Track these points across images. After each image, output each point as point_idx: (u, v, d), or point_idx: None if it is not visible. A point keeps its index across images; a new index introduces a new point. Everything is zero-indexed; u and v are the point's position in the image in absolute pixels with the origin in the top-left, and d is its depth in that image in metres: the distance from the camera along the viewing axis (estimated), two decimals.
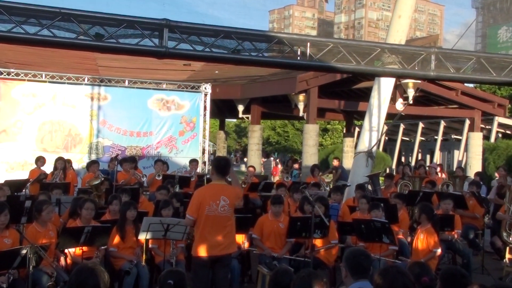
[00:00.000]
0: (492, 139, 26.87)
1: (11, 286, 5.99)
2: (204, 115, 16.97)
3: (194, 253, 6.19)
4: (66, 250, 6.98)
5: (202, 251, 6.12)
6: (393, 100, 14.72)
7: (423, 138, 33.08)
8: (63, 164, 11.55)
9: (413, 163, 25.23)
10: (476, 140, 21.50)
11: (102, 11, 6.51)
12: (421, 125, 30.71)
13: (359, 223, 7.97)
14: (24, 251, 5.85)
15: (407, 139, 35.17)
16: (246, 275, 8.52)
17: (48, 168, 11.98)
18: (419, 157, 31.51)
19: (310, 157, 18.29)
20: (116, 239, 7.31)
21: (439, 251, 7.65)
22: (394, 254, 8.11)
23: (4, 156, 14.73)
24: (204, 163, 16.88)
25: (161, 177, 11.71)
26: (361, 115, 20.55)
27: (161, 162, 12.77)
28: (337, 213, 9.52)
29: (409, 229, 9.15)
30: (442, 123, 28.75)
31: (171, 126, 16.48)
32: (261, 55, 7.30)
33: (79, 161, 15.12)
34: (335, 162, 17.39)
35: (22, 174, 13.46)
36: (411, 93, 14.04)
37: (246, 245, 8.32)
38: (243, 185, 12.49)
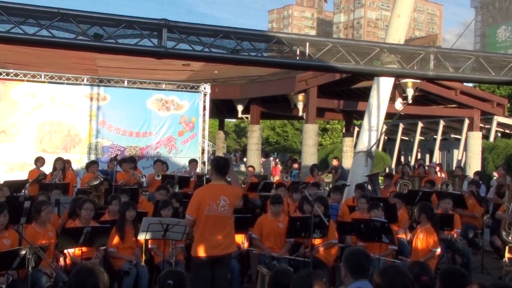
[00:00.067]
0: (491, 139, 26.88)
1: (10, 287, 5.99)
2: (204, 115, 16.98)
3: (194, 253, 6.18)
4: (65, 251, 6.97)
5: (202, 251, 6.12)
6: (392, 99, 14.72)
7: (422, 138, 33.10)
8: (62, 165, 11.54)
9: (412, 163, 25.23)
10: (475, 140, 21.52)
11: (101, 11, 6.51)
12: (420, 124, 30.72)
13: (359, 223, 7.97)
14: (23, 252, 5.84)
15: (407, 138, 35.18)
16: (246, 275, 8.52)
17: (47, 168, 11.97)
18: (419, 157, 31.54)
19: (310, 157, 18.29)
20: (116, 240, 7.31)
21: (438, 250, 7.65)
22: (394, 254, 8.11)
23: (3, 156, 14.73)
24: (204, 163, 16.88)
25: (160, 177, 11.70)
26: (360, 115, 20.56)
27: (160, 162, 12.76)
28: (336, 213, 9.52)
29: (408, 229, 9.14)
30: (441, 123, 28.76)
31: (170, 126, 16.49)
32: (260, 55, 7.30)
33: (79, 162, 15.12)
34: (335, 162, 17.40)
35: (21, 174, 13.45)
36: (410, 92, 14.02)
37: (245, 245, 8.32)
38: (242, 185, 12.48)
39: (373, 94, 12.34)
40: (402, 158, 35.48)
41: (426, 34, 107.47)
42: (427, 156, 33.30)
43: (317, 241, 7.88)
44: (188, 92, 16.89)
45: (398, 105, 15.54)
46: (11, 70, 15.15)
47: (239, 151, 65.84)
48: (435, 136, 30.73)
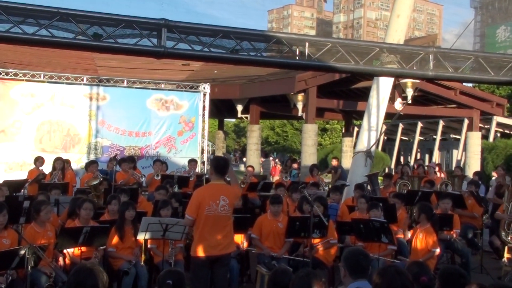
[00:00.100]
0: (491, 139, 26.87)
1: (9, 287, 5.99)
2: (203, 115, 16.98)
3: (193, 253, 6.18)
4: (64, 250, 6.97)
5: (202, 251, 6.12)
6: (391, 99, 14.72)
7: (422, 138, 33.09)
8: (61, 164, 11.54)
9: (412, 163, 25.24)
10: (474, 140, 21.52)
11: (101, 10, 6.50)
12: (420, 124, 30.71)
13: (358, 223, 7.97)
14: (22, 252, 5.84)
15: (406, 138, 35.17)
16: (245, 275, 8.52)
17: (46, 168, 11.96)
18: (418, 157, 31.52)
19: (309, 156, 18.29)
20: (115, 239, 7.31)
21: (438, 250, 7.66)
22: (393, 254, 8.12)
23: (2, 156, 14.73)
24: (203, 163, 16.88)
25: (160, 177, 11.69)
26: (360, 115, 20.56)
27: (159, 162, 12.76)
28: (336, 213, 9.52)
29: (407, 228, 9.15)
30: (441, 123, 28.75)
31: (170, 126, 16.49)
32: (259, 54, 7.30)
33: (78, 161, 15.12)
34: (334, 162, 17.40)
35: (21, 174, 13.45)
36: (409, 92, 14.02)
37: (245, 245, 8.32)
38: (242, 185, 12.48)
39: (373, 94, 12.34)
40: (402, 158, 35.48)
41: (425, 34, 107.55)
42: (427, 156, 33.29)
43: (316, 241, 7.89)
44: (188, 92, 16.89)
45: (398, 105, 15.55)
46: (10, 70, 15.15)
47: (238, 151, 65.85)
48: (434, 136, 30.72)
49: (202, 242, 6.12)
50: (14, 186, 10.39)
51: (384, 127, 18.84)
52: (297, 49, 7.29)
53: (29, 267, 5.84)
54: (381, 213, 8.19)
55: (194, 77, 21.08)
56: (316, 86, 18.21)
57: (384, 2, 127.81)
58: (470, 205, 10.44)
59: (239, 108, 20.93)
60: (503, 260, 9.03)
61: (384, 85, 12.15)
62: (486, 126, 27.07)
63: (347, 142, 24.28)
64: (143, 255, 7.52)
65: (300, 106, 18.43)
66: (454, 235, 8.91)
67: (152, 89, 16.53)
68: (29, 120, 15.01)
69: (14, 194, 9.83)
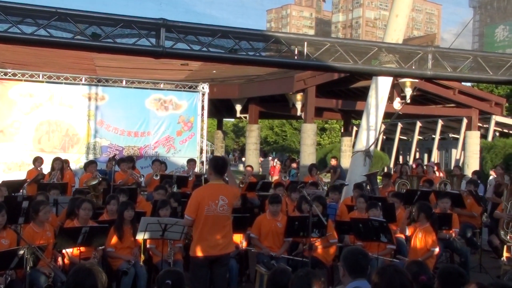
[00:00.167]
0: (490, 138, 26.88)
1: (8, 287, 5.98)
2: (202, 114, 16.98)
3: (193, 253, 6.18)
4: (63, 251, 6.97)
5: (201, 251, 6.11)
6: (390, 99, 14.74)
7: (420, 137, 33.10)
8: (60, 165, 11.53)
9: (410, 162, 25.26)
10: (473, 139, 21.55)
11: (99, 10, 6.50)
12: (418, 124, 30.73)
13: (357, 222, 7.97)
14: (21, 252, 5.83)
15: (405, 138, 35.18)
16: (244, 275, 8.52)
17: (45, 168, 11.95)
18: (417, 156, 31.56)
19: (308, 156, 18.31)
20: (114, 239, 7.31)
21: (437, 250, 7.66)
22: (392, 253, 8.12)
23: (1, 156, 14.72)
24: (202, 162, 16.87)
25: (158, 177, 11.69)
26: (358, 114, 20.59)
27: (158, 162, 12.76)
28: (335, 212, 9.52)
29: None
30: (440, 122, 28.77)
31: (168, 126, 16.49)
32: (258, 54, 7.29)
33: (77, 162, 15.11)
34: (333, 161, 17.39)
35: (20, 174, 13.44)
36: (408, 92, 14.04)
37: (244, 244, 8.32)
38: (241, 185, 12.49)
39: (372, 93, 12.34)
40: (401, 158, 35.50)
41: (424, 33, 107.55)
42: (426, 155, 33.32)
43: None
44: (187, 92, 16.88)
45: (397, 104, 15.58)
46: (9, 70, 15.13)
47: (237, 151, 65.85)
48: (433, 136, 30.74)
49: (202, 242, 6.12)
50: (13, 186, 10.39)
51: (383, 126, 18.87)
52: (296, 48, 7.30)
53: (28, 267, 5.83)
54: (380, 213, 8.20)
55: (193, 77, 21.09)
56: (315, 85, 18.22)
57: (383, 1, 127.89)
58: (469, 204, 10.44)
59: (238, 107, 20.94)
60: (502, 259, 9.04)
61: (383, 84, 12.16)
62: (485, 126, 27.08)
63: (346, 141, 24.29)
64: (142, 255, 7.52)
65: (299, 105, 18.45)
66: (453, 234, 8.91)
67: (151, 89, 16.51)
68: (27, 120, 15.00)
69: (13, 194, 9.82)
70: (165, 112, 16.51)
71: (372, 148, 12.28)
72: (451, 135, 31.84)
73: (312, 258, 7.35)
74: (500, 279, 8.38)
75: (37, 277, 6.34)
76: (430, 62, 7.76)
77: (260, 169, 26.10)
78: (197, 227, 6.14)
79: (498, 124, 27.80)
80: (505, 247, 9.00)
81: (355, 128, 27.79)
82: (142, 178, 12.01)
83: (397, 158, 33.95)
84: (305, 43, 7.27)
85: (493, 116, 25.56)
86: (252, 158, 20.95)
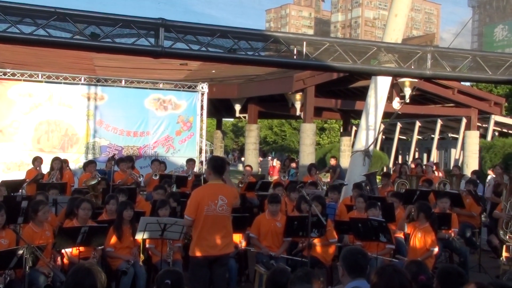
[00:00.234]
0: (489, 138, 26.91)
1: (7, 287, 5.99)
2: (201, 114, 16.97)
3: (192, 253, 6.19)
4: (63, 250, 6.97)
5: (200, 251, 6.12)
6: (389, 99, 14.72)
7: (420, 137, 33.11)
8: (59, 164, 11.52)
9: (409, 162, 25.26)
10: (472, 139, 21.54)
11: (98, 10, 6.49)
12: (418, 123, 30.74)
13: (356, 222, 7.97)
14: (20, 252, 5.84)
15: (404, 138, 35.20)
16: (244, 275, 8.53)
17: (45, 168, 11.95)
18: (416, 156, 31.57)
19: (307, 156, 18.30)
20: (113, 239, 7.31)
21: (436, 249, 7.66)
22: (391, 253, 8.12)
23: (0, 156, 14.71)
24: (201, 162, 16.87)
25: (158, 177, 11.69)
26: (358, 114, 20.57)
27: (157, 162, 12.76)
28: (334, 212, 9.53)
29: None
30: (439, 122, 28.79)
31: (168, 125, 16.48)
32: (257, 54, 7.28)
33: (76, 161, 15.09)
34: (333, 161, 17.41)
35: (19, 174, 13.43)
36: (407, 91, 14.03)
37: (243, 244, 8.32)
38: (240, 185, 12.49)
39: (371, 93, 12.34)
40: (400, 158, 35.51)
41: (423, 33, 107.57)
42: (425, 155, 33.34)
43: (315, 241, 7.89)
44: (186, 92, 16.88)
45: (396, 104, 15.57)
46: (8, 70, 15.12)
47: (236, 151, 65.83)
48: (432, 135, 30.76)
49: (201, 242, 6.12)
50: (12, 186, 10.39)
51: (382, 126, 18.88)
52: (295, 48, 7.29)
53: (27, 267, 5.84)
54: (379, 212, 8.20)
55: (192, 76, 21.08)
56: (314, 85, 18.21)
57: (382, 1, 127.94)
58: (468, 204, 10.44)
59: (237, 107, 20.93)
60: (501, 258, 9.04)
61: (382, 84, 12.15)
62: (484, 125, 27.11)
63: (345, 141, 24.29)
64: (141, 255, 7.52)
65: (298, 105, 18.44)
66: (452, 234, 8.92)
67: (150, 88, 16.50)
68: (27, 120, 14.99)
69: (12, 194, 9.82)
70: (164, 112, 16.51)
71: (371, 148, 12.27)
72: (450, 134, 31.86)
73: (312, 258, 7.35)
74: (499, 279, 8.39)
75: (36, 277, 6.34)
76: (429, 62, 7.75)
77: (259, 169, 26.09)
78: (197, 227, 6.15)
79: (497, 123, 27.82)
80: (504, 247, 9.00)
81: (354, 128, 27.81)
82: (141, 178, 12.02)
83: (396, 158, 33.97)
84: (304, 42, 7.26)
85: (492, 116, 25.57)
86: (251, 158, 20.95)
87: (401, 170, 13.65)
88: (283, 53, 7.33)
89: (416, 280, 4.29)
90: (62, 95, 15.40)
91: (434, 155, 30.71)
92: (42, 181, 10.87)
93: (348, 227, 8.33)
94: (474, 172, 13.95)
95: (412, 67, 7.84)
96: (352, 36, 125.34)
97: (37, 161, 11.88)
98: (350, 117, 25.99)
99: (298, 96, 18.28)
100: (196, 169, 14.21)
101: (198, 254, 6.12)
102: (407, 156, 32.60)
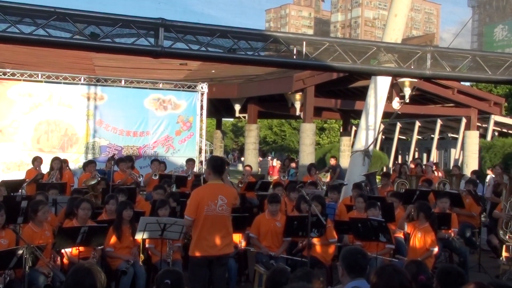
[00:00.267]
0: (489, 138, 26.92)
1: (7, 287, 5.98)
2: (201, 114, 16.98)
3: (192, 253, 6.19)
4: (62, 250, 6.97)
5: (200, 251, 6.12)
6: (389, 99, 14.72)
7: (419, 137, 33.12)
8: (59, 164, 11.52)
9: (409, 162, 25.26)
10: (472, 139, 21.55)
11: (97, 10, 6.49)
12: (417, 123, 30.75)
13: (356, 222, 7.97)
14: (20, 252, 5.83)
15: (404, 137, 35.21)
16: (243, 274, 8.53)
17: (44, 168, 11.95)
18: (416, 156, 31.58)
19: (307, 156, 18.30)
20: (113, 239, 7.31)
21: (436, 249, 7.66)
22: (391, 253, 8.12)
23: (0, 156, 14.72)
24: (201, 162, 16.87)
25: (157, 177, 11.69)
26: (357, 114, 20.57)
27: (157, 161, 12.76)
28: (334, 212, 9.53)
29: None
30: (439, 122, 28.80)
31: (167, 125, 16.49)
32: (257, 54, 7.28)
33: (76, 161, 15.10)
34: (332, 161, 17.42)
35: (19, 174, 13.43)
36: (407, 91, 14.02)
37: (243, 244, 8.32)
38: (239, 185, 12.49)
39: (371, 93, 12.33)
40: (400, 158, 35.52)
41: (423, 33, 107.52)
42: (425, 155, 33.34)
43: (314, 240, 7.88)
44: (186, 92, 16.88)
45: (396, 104, 15.56)
46: (8, 70, 15.13)
47: (236, 151, 65.82)
48: (432, 135, 30.77)
49: (201, 242, 6.13)
50: (12, 186, 10.39)
51: (382, 126, 18.87)
52: (295, 48, 7.29)
53: (27, 267, 5.83)
54: (379, 212, 8.20)
55: (192, 76, 21.08)
56: (313, 85, 18.21)
57: (382, 1, 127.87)
58: (468, 204, 10.44)
59: (237, 107, 20.94)
60: (501, 258, 9.05)
61: (382, 84, 12.15)
62: (484, 125, 27.12)
63: (345, 141, 24.29)
64: (141, 255, 7.52)
65: (298, 105, 18.44)
66: (452, 234, 8.92)
67: (149, 88, 16.51)
68: (26, 120, 14.99)
69: (12, 194, 9.82)
70: (164, 111, 16.52)
71: (371, 147, 12.27)
72: (450, 134, 31.87)
73: (311, 258, 7.35)
74: (499, 278, 8.41)
75: (36, 277, 6.34)
76: (429, 62, 7.75)
77: (259, 169, 26.09)
78: (197, 227, 6.15)
79: (497, 123, 27.83)
80: (504, 246, 9.01)
81: (354, 128, 27.81)
82: (141, 178, 12.03)
83: (396, 158, 33.98)
84: (304, 42, 7.26)
85: (492, 116, 25.58)
86: (251, 158, 20.95)
87: (400, 170, 13.66)
88: (282, 53, 7.33)
89: (416, 280, 4.29)
90: (62, 95, 15.41)
91: (434, 155, 30.72)
92: (42, 181, 10.87)
93: (347, 227, 8.33)
94: (474, 172, 13.95)
95: (412, 67, 7.84)
96: (352, 36, 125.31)
97: (36, 161, 11.88)
98: (350, 117, 26.00)
99: (297, 96, 18.29)
100: (195, 169, 14.21)
101: (197, 254, 6.12)
102: (407, 156, 32.62)
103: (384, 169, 27.72)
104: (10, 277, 6.02)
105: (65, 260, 7.03)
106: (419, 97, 21.02)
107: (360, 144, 12.28)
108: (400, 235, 8.81)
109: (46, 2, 6.05)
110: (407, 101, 14.16)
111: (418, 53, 7.78)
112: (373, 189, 11.65)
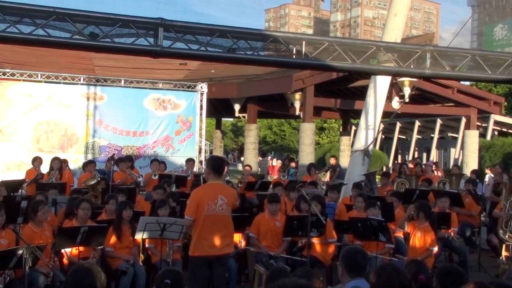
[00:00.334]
0: (488, 137, 26.92)
1: (7, 287, 5.98)
2: (201, 114, 16.98)
3: (192, 253, 6.19)
4: (62, 250, 6.96)
5: (200, 251, 6.12)
6: (389, 98, 14.73)
7: (419, 136, 33.12)
8: (59, 164, 11.52)
9: (409, 162, 25.26)
10: (472, 138, 21.55)
11: (97, 10, 6.49)
12: (417, 123, 30.75)
13: (356, 222, 7.98)
14: (20, 252, 5.83)
15: (404, 137, 35.22)
16: (243, 274, 8.53)
17: (44, 168, 11.95)
18: (416, 155, 31.59)
19: (307, 155, 18.30)
20: (113, 239, 7.31)
21: (436, 249, 7.67)
22: (391, 252, 8.12)
23: (0, 156, 14.70)
24: (201, 162, 16.88)
25: (157, 177, 11.69)
26: (357, 114, 20.55)
27: (157, 161, 12.75)
28: (333, 212, 9.53)
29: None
30: (439, 121, 28.80)
31: (167, 125, 16.49)
32: (256, 54, 7.28)
33: (75, 161, 15.10)
34: (332, 160, 17.42)
35: (18, 174, 13.43)
36: (407, 91, 14.04)
37: (243, 244, 8.32)
38: (239, 185, 12.49)
39: (370, 92, 12.34)
40: (399, 157, 35.53)
41: (422, 32, 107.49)
42: (424, 154, 33.35)
43: (314, 240, 7.88)
44: (185, 91, 16.88)
45: (395, 103, 15.59)
46: (7, 70, 15.12)
47: (236, 150, 65.82)
48: (432, 135, 30.77)
49: (201, 241, 6.13)
50: (12, 186, 10.39)
51: (382, 125, 18.87)
52: (294, 48, 7.28)
53: (27, 267, 5.83)
54: (379, 212, 8.20)
55: (192, 76, 21.08)
56: (313, 85, 18.21)
57: (381, 0, 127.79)
58: (468, 204, 10.44)
59: (237, 107, 20.93)
60: (500, 258, 9.06)
61: (382, 83, 12.15)
62: (483, 125, 27.12)
63: (345, 141, 24.29)
64: (141, 255, 7.52)
65: (297, 105, 18.44)
66: (452, 234, 8.92)
67: (149, 88, 16.51)
68: (26, 120, 14.99)
69: (12, 194, 9.82)
70: (164, 111, 16.52)
71: (370, 147, 12.27)
72: (450, 134, 31.87)
73: (311, 258, 7.35)
74: (499, 278, 8.41)
75: (36, 277, 6.34)
76: (428, 61, 7.75)
77: (259, 169, 26.10)
78: (197, 227, 6.15)
79: (497, 123, 27.84)
80: (503, 246, 9.02)
81: (353, 128, 27.80)
82: (141, 178, 12.02)
83: (395, 158, 33.98)
84: (304, 42, 7.26)
85: (492, 115, 25.58)
86: (251, 158, 20.95)
87: (400, 170, 13.66)
88: (282, 52, 7.33)
89: (416, 280, 4.29)
90: (61, 95, 15.41)
91: (434, 155, 30.72)
92: (42, 181, 10.87)
93: (347, 227, 8.33)
94: (473, 172, 13.96)
95: (412, 66, 7.84)
96: (352, 35, 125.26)
97: (36, 161, 11.88)
98: (350, 117, 26.00)
99: (297, 95, 18.28)
100: (195, 169, 14.21)
101: (197, 254, 6.12)
102: (407, 156, 32.63)
103: (384, 169, 27.73)
104: (10, 277, 6.02)
105: (65, 260, 7.03)
106: (419, 96, 21.02)
107: (360, 144, 12.28)
108: (399, 234, 8.81)
109: (45, 2, 6.05)
110: (407, 100, 14.18)
111: (418, 53, 7.78)
112: (373, 188, 11.65)
